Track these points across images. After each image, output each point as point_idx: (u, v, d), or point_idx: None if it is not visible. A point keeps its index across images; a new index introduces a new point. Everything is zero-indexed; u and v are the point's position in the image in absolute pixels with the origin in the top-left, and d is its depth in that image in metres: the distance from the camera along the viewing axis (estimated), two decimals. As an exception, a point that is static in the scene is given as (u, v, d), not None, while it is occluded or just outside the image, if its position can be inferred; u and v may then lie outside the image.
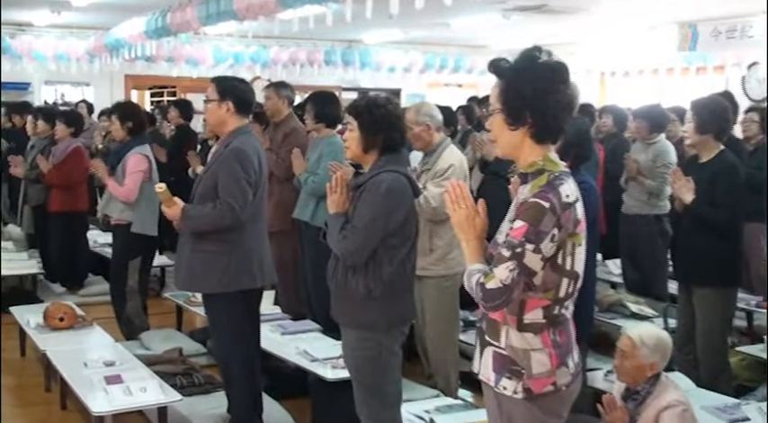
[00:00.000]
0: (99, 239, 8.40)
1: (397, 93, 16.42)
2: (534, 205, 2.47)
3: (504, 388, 2.59)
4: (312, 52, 13.36)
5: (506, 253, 2.47)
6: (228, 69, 12.63)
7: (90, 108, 12.03)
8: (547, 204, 2.46)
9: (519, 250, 2.45)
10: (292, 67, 13.31)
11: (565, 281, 2.56)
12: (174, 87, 14.93)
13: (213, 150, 4.49)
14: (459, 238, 2.67)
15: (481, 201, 2.70)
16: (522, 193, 2.60)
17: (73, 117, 8.09)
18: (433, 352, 5.12)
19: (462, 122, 9.22)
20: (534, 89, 2.51)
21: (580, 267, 2.59)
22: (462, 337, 5.41)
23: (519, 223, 2.48)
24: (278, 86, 6.67)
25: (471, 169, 6.55)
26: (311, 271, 5.90)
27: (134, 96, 15.10)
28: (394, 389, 3.72)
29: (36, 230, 8.29)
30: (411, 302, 3.73)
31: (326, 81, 14.90)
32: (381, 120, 3.56)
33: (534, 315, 2.56)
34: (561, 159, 2.63)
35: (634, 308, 5.89)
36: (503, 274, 2.46)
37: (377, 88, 16.18)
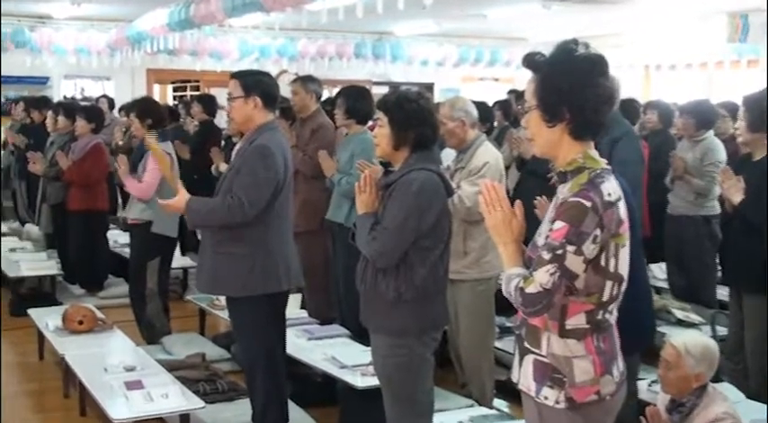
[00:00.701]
0: (119, 239, 8.46)
1: (429, 87, 16.41)
2: (575, 205, 2.46)
3: (546, 398, 2.58)
4: (341, 45, 13.40)
5: (546, 256, 2.46)
6: (254, 63, 12.70)
7: (111, 103, 12.14)
8: (588, 203, 2.45)
9: (560, 252, 2.44)
10: (320, 60, 13.35)
11: (608, 284, 2.55)
12: (197, 82, 15.01)
13: (238, 147, 4.51)
14: (494, 242, 2.66)
15: (518, 202, 2.69)
16: (561, 192, 2.58)
17: (93, 112, 8.17)
18: (468, 359, 5.11)
19: (499, 118, 9.19)
20: (571, 83, 2.50)
21: (624, 269, 2.58)
22: (498, 343, 5.39)
23: (559, 224, 2.47)
24: (305, 81, 6.69)
25: (508, 168, 6.53)
26: (343, 274, 5.91)
27: (156, 91, 15.21)
28: (426, 398, 3.71)
29: (55, 230, 8.38)
30: (444, 307, 3.73)
31: (356, 75, 14.93)
32: (413, 115, 3.56)
33: (577, 320, 2.55)
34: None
35: (680, 314, 5.85)
36: (543, 277, 2.45)
37: (409, 82, 16.17)
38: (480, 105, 6.16)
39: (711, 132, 6.64)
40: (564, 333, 2.56)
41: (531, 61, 2.61)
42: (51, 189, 8.21)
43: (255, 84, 4.36)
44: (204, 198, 4.37)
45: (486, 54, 14.16)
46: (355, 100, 6.09)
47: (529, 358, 2.63)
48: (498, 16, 12.35)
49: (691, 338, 3.79)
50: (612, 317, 2.63)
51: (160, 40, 10.22)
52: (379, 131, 3.63)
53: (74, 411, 5.15)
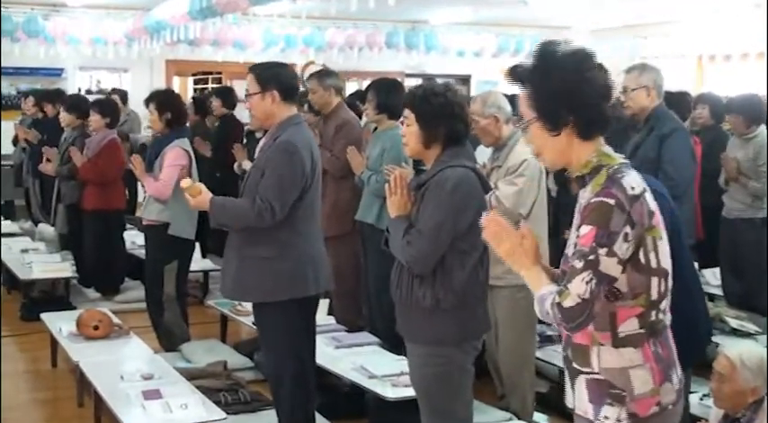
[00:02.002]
0: (137, 240, 8.52)
1: (466, 79, 16.41)
2: (599, 205, 2.46)
3: (606, 417, 2.56)
4: (372, 34, 13.42)
5: (579, 264, 2.46)
6: (279, 53, 12.76)
7: (124, 97, 12.22)
8: (612, 201, 2.45)
9: (592, 258, 2.44)
10: (350, 50, 13.39)
11: (654, 281, 2.54)
12: (219, 73, 15.11)
13: (261, 144, 4.53)
14: (515, 269, 2.66)
15: (523, 224, 2.71)
16: (583, 196, 2.59)
17: (108, 106, 8.23)
18: (507, 370, 5.10)
19: None
20: (565, 83, 2.53)
21: (667, 263, 2.58)
22: (539, 353, 5.38)
23: (586, 228, 2.47)
24: (321, 76, 6.67)
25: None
26: (374, 279, 5.92)
27: (176, 83, 15.32)
28: (465, 411, 3.71)
29: (71, 231, 8.46)
30: (485, 314, 3.72)
31: (388, 66, 14.95)
32: (441, 110, 3.56)
33: (630, 326, 2.54)
34: None
35: (734, 323, 5.80)
36: (579, 287, 2.44)
37: (444, 74, 16.18)
38: (515, 99, 6.14)
39: (763, 128, 6.58)
40: (618, 342, 2.54)
41: (516, 74, 2.65)
42: (66, 188, 8.28)
43: (272, 77, 4.36)
44: (230, 198, 4.39)
45: (527, 44, 14.10)
46: (387, 94, 6.09)
47: (581, 379, 2.62)
48: (540, 3, 12.30)
49: (746, 349, 3.76)
50: (667, 317, 2.62)
51: (180, 29, 10.29)
52: (407, 129, 3.63)
53: (89, 421, 5.20)
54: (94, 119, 7.91)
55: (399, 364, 4.98)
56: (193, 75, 15.99)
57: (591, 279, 2.43)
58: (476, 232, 3.54)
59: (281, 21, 12.62)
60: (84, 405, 5.44)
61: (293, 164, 4.22)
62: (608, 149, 2.61)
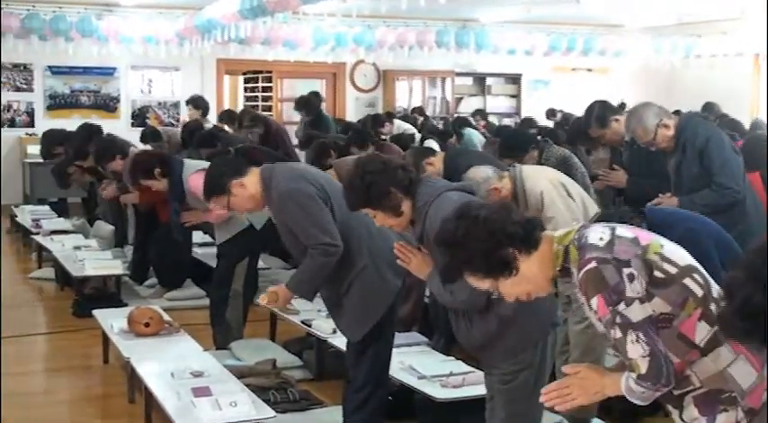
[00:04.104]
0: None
1: (517, 78, 16.34)
2: (587, 275, 2.50)
3: None
4: (422, 33, 13.40)
5: (617, 334, 2.48)
6: (329, 52, 12.79)
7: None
8: (593, 264, 2.49)
9: (619, 320, 2.47)
10: (400, 49, 13.38)
11: (687, 281, 2.53)
12: (269, 72, 15.18)
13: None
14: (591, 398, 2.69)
15: (563, 369, 2.73)
16: (572, 283, 2.62)
17: (107, 150, 8.03)
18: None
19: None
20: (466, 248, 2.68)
21: (685, 259, 2.58)
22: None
23: (594, 301, 2.50)
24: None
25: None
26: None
27: (226, 82, 15.43)
28: (538, 412, 3.68)
29: (117, 228, 8.56)
30: (550, 306, 3.67)
31: (438, 65, 14.97)
32: (374, 184, 3.61)
33: (703, 331, 2.53)
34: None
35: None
36: (636, 350, 2.46)
37: (494, 73, 16.15)
38: (517, 136, 6.08)
39: None
40: (705, 350, 2.53)
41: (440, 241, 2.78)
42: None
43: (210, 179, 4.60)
44: (299, 269, 4.44)
45: (580, 42, 14.00)
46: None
47: (688, 400, 2.60)
48: (592, 1, 12.20)
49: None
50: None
51: (231, 28, 10.36)
52: (378, 219, 3.70)
53: (139, 418, 5.24)
54: (112, 167, 7.94)
55: (449, 364, 4.98)
56: (244, 74, 16.09)
57: (637, 336, 2.45)
58: None
59: (332, 19, 12.60)
60: (135, 401, 5.49)
61: (299, 202, 4.26)
62: (555, 234, 2.66)
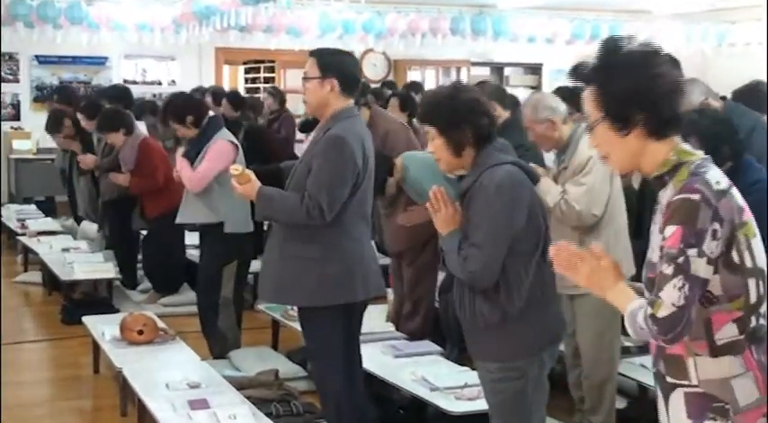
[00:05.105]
0: (186, 240, 8.55)
1: (537, 68, 16.33)
2: (683, 202, 2.46)
3: None
4: (436, 20, 13.40)
5: (668, 269, 2.44)
6: (336, 40, 12.79)
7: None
8: (697, 196, 2.45)
9: (681, 260, 2.43)
10: (411, 37, 13.37)
11: (751, 282, 2.51)
12: (272, 62, 15.18)
13: (311, 137, 4.55)
14: (599, 294, 2.66)
15: (593, 246, 2.71)
16: (663, 196, 2.58)
17: (114, 120, 8.15)
18: (590, 384, 5.06)
19: None
20: (635, 80, 2.54)
21: (763, 262, 2.55)
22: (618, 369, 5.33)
23: (671, 229, 2.46)
24: None
25: None
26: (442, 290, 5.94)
27: (225, 72, 15.44)
28: None
29: (111, 229, 8.57)
30: (558, 314, 3.71)
31: (452, 54, 14.95)
32: (459, 111, 3.56)
33: (728, 332, 2.51)
34: (716, 165, 2.61)
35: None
36: (672, 295, 2.43)
37: (513, 63, 16.14)
38: (571, 91, 6.08)
39: None
40: (717, 351, 2.52)
41: (579, 75, 2.66)
42: (104, 184, 8.37)
43: (334, 64, 4.38)
44: (280, 190, 4.41)
45: (604, 29, 13.97)
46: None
47: (678, 394, 2.59)
48: (618, -15, 12.20)
49: None
50: None
51: (231, 14, 10.38)
52: (434, 145, 3.64)
53: (132, 432, 5.27)
54: (111, 138, 8.04)
55: (463, 375, 4.97)
56: (244, 63, 16.08)
57: (683, 284, 2.42)
58: (532, 230, 3.55)
59: (339, 5, 12.66)
60: (128, 414, 5.51)
61: (343, 159, 4.23)
62: (687, 146, 2.61)
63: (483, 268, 3.44)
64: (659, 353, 2.63)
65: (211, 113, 6.60)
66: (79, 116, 8.80)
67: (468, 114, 3.56)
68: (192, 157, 6.24)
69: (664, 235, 2.49)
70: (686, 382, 2.57)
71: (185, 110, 6.36)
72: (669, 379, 2.61)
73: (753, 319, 2.52)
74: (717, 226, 2.44)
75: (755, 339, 2.53)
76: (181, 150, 6.35)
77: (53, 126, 9.30)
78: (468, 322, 3.61)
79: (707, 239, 2.43)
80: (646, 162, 2.61)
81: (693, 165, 2.54)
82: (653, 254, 2.59)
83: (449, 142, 3.58)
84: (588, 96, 2.64)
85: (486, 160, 3.54)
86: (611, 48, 2.61)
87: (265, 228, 8.90)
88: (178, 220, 6.47)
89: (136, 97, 10.59)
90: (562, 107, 4.94)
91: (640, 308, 2.50)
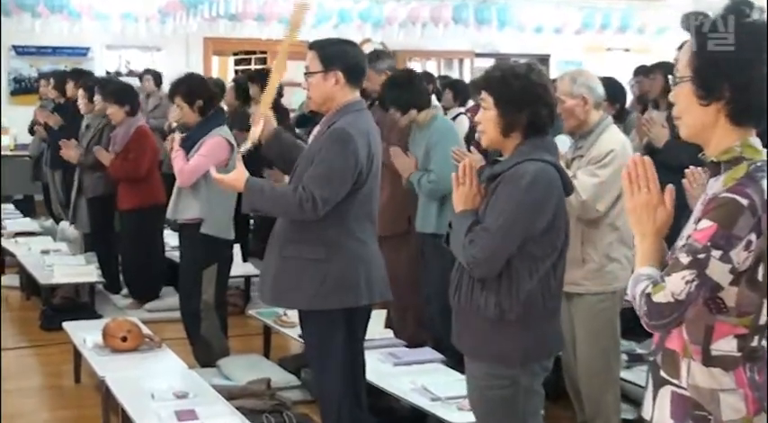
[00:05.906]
0: (171, 241, 8.55)
1: (544, 59, 16.31)
2: (728, 202, 2.43)
3: None
4: (437, 8, 13.42)
5: (685, 259, 2.44)
6: (332, 30, 12.81)
7: (158, 79, 12.31)
8: (745, 201, 2.42)
9: (702, 256, 2.42)
10: (412, 26, 13.40)
11: (766, 303, 2.51)
12: (263, 53, 15.17)
13: (315, 131, 4.55)
14: (633, 231, 2.65)
15: (669, 188, 2.66)
16: (711, 187, 2.56)
17: (124, 94, 8.23)
18: (588, 392, 5.06)
19: (633, 102, 9.05)
20: (736, 56, 2.49)
21: None
22: (626, 374, 5.33)
23: (706, 223, 2.44)
24: (372, 60, 6.68)
25: None
26: (437, 290, 5.92)
27: (215, 64, 15.43)
28: None
29: (94, 229, 8.55)
30: (557, 330, 3.70)
31: (455, 44, 14.95)
32: (523, 93, 3.54)
33: (725, 346, 2.52)
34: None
35: None
36: (677, 285, 2.43)
37: (519, 54, 16.11)
38: (609, 81, 6.08)
39: None
40: (709, 360, 2.52)
41: (689, 24, 2.61)
42: (89, 180, 8.36)
43: (337, 55, 4.37)
44: (271, 181, 4.41)
45: (616, 19, 14.02)
46: (399, 89, 6.20)
47: (666, 390, 2.61)
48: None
49: None
50: None
51: (220, 3, 10.42)
52: (484, 115, 3.61)
53: (115, 445, 5.27)
54: (112, 110, 8.00)
55: (465, 384, 4.97)
56: (234, 54, 16.09)
57: (693, 280, 2.42)
58: (551, 236, 3.54)
59: (334, -7, 12.68)
60: (111, 426, 5.51)
61: (345, 154, 4.23)
62: (755, 141, 2.57)
63: (486, 257, 3.44)
64: (660, 343, 2.64)
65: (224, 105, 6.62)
66: (97, 90, 8.71)
67: (532, 98, 3.55)
68: (188, 146, 6.26)
69: (696, 226, 2.48)
70: (676, 382, 2.58)
71: (198, 92, 6.37)
72: (662, 373, 2.62)
73: (756, 339, 2.53)
74: (753, 237, 2.42)
75: (752, 359, 2.53)
76: (178, 136, 6.34)
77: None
78: (460, 309, 3.61)
79: (738, 247, 2.41)
80: (713, 141, 2.57)
81: (754, 165, 2.50)
82: (680, 241, 2.58)
83: (501, 119, 3.56)
84: (687, 51, 2.60)
85: (530, 151, 3.53)
86: (736, 10, 2.54)
87: (251, 226, 8.93)
88: (168, 216, 6.48)
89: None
90: (600, 90, 4.93)
91: (647, 278, 2.51)
